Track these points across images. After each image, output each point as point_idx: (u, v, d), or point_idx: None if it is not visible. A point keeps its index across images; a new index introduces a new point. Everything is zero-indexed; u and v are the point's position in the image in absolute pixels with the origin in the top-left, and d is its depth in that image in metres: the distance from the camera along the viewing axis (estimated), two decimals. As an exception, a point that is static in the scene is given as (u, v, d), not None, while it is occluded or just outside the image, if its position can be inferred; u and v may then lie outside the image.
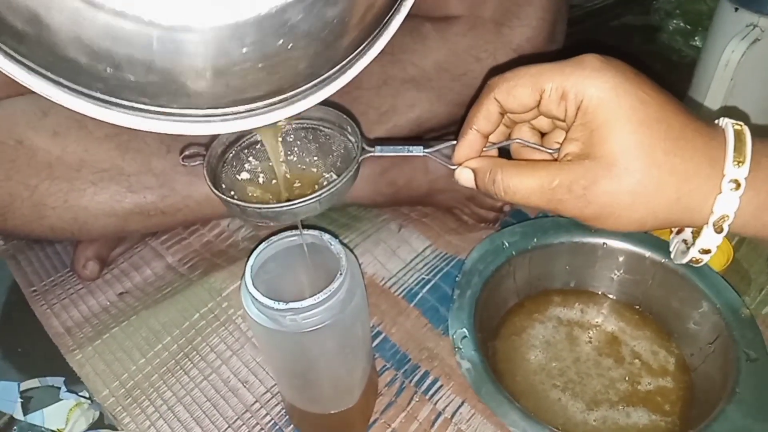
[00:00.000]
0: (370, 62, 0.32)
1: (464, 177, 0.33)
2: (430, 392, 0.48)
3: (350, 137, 0.34)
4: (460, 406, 0.47)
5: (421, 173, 0.60)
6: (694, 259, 0.30)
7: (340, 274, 0.35)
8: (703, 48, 0.66)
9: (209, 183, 0.31)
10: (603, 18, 0.98)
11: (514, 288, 0.51)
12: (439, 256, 0.59)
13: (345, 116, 0.34)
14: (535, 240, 0.51)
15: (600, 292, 0.52)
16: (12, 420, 0.49)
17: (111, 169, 0.52)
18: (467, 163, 0.32)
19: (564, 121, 0.30)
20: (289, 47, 0.28)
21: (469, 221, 0.63)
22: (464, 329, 0.45)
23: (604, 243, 0.50)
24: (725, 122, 0.28)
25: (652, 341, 0.48)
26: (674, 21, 0.90)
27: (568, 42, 0.66)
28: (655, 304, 0.49)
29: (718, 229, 0.27)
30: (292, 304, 0.34)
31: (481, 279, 0.49)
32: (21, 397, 0.51)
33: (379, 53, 0.36)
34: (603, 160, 0.27)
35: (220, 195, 0.31)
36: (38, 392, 0.52)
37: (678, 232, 0.32)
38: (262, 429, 0.47)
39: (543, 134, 0.34)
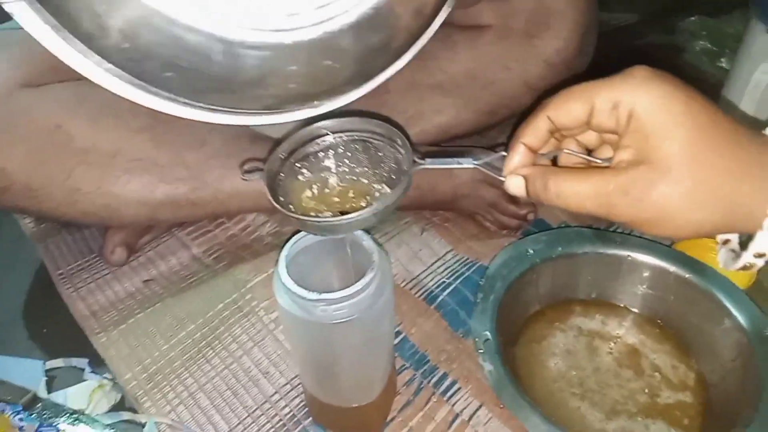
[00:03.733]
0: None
1: (515, 185, 0.33)
2: (448, 394, 0.49)
3: (400, 150, 0.34)
4: (477, 410, 0.47)
5: (445, 178, 0.61)
6: (748, 264, 0.30)
7: (372, 269, 0.36)
8: (732, 69, 0.66)
9: (270, 197, 0.32)
10: (627, 36, 0.98)
11: (536, 295, 0.52)
12: (460, 260, 0.60)
13: (395, 129, 0.34)
14: (560, 249, 0.51)
15: (622, 305, 0.52)
16: (36, 397, 0.49)
17: (144, 159, 0.53)
18: (519, 171, 0.33)
19: (615, 132, 0.30)
20: (333, 66, 0.29)
21: (491, 228, 0.63)
22: (487, 332, 0.45)
23: (628, 255, 0.50)
24: None
25: (673, 356, 0.49)
26: (700, 42, 0.90)
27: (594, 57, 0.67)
28: (676, 319, 0.50)
29: None
30: (324, 295, 0.34)
31: (504, 284, 0.49)
32: (46, 376, 0.52)
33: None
34: (659, 164, 0.28)
35: (282, 209, 0.32)
36: (62, 372, 0.52)
37: (725, 243, 0.32)
38: (281, 420, 0.47)
39: (589, 151, 0.35)
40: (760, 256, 0.29)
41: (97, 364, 0.52)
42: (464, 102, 0.62)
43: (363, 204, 0.35)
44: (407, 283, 0.58)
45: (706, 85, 0.85)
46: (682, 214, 0.28)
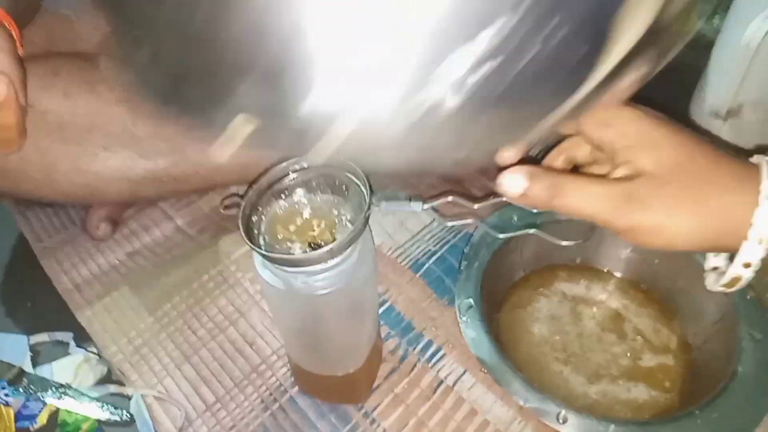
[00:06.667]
0: None
1: (514, 182, 0.31)
2: (433, 360, 0.49)
3: (363, 189, 0.36)
4: (462, 375, 0.48)
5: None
6: (736, 276, 0.31)
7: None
8: (724, 25, 0.64)
9: (242, 233, 0.34)
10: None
11: (520, 262, 0.52)
12: (446, 228, 0.59)
13: (362, 172, 0.37)
14: (544, 215, 0.51)
15: (606, 270, 0.52)
16: (22, 372, 0.49)
17: (122, 133, 0.52)
18: (520, 168, 0.31)
19: (604, 150, 0.32)
20: None
21: (478, 194, 0.63)
22: (470, 299, 0.45)
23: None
24: (758, 157, 0.31)
25: (656, 319, 0.49)
26: None
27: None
28: (660, 283, 0.50)
29: (759, 241, 0.29)
30: (304, 267, 0.34)
31: (488, 251, 0.49)
32: (31, 351, 0.51)
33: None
34: (655, 175, 0.29)
35: (249, 243, 0.34)
36: (47, 346, 0.52)
37: (714, 269, 0.33)
38: (267, 389, 0.48)
39: (575, 167, 0.36)
40: (747, 266, 0.30)
41: (83, 337, 0.52)
42: None
43: (329, 233, 0.37)
44: (393, 252, 0.58)
45: (699, 45, 0.83)
46: (676, 224, 0.29)
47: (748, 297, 0.44)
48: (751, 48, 0.57)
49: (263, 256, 0.33)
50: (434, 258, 0.57)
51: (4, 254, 0.61)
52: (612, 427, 0.38)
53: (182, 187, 0.56)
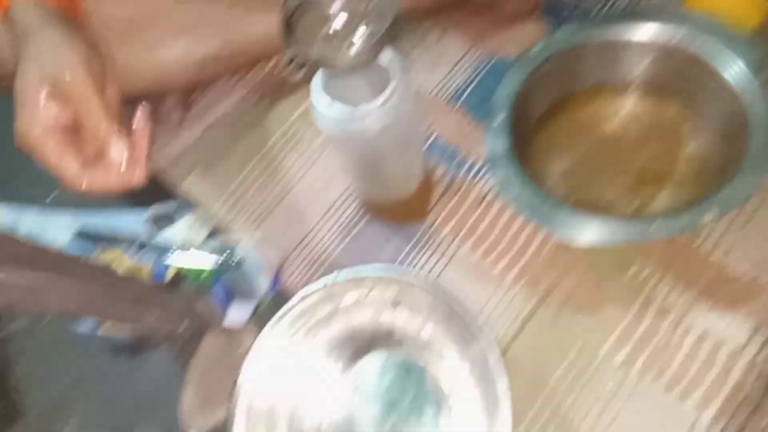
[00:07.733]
0: None
1: None
2: (478, 177, 0.57)
3: None
4: (504, 185, 0.56)
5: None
6: None
7: (392, 80, 0.42)
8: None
9: (284, 30, 0.39)
10: None
11: (568, 80, 0.55)
12: (480, 57, 0.64)
13: None
14: (569, 41, 0.53)
15: (632, 84, 0.55)
16: (148, 238, 0.61)
17: (175, 25, 0.57)
18: None
19: None
20: None
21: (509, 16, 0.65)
22: (498, 119, 0.51)
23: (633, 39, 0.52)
24: None
25: (682, 118, 0.53)
26: None
27: None
28: (684, 89, 0.53)
29: None
30: (352, 112, 0.41)
31: (524, 73, 0.52)
32: (150, 221, 0.63)
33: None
34: None
35: (289, 42, 0.38)
36: (162, 216, 0.64)
37: None
38: (344, 221, 0.58)
39: None
40: None
41: (189, 203, 0.63)
42: None
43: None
44: (432, 90, 0.63)
45: None
46: None
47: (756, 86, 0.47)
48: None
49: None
50: (471, 87, 0.62)
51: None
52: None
53: (236, 62, 0.63)
